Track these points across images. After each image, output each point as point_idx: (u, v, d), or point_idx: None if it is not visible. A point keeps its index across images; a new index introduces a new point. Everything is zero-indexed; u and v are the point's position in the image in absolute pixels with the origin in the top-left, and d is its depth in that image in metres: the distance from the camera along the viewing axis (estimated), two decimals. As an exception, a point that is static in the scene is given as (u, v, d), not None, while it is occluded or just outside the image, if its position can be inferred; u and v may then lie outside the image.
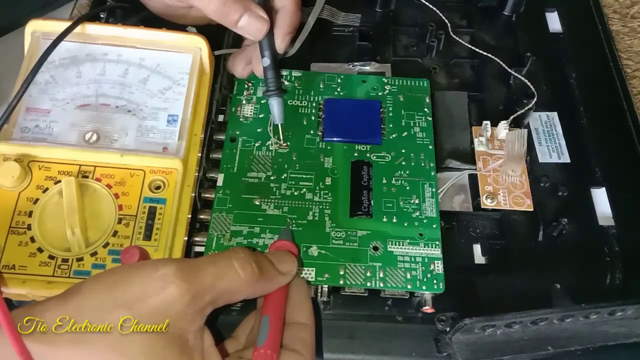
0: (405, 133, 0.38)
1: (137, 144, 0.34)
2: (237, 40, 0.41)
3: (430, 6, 0.45)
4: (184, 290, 0.25)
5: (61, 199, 0.31)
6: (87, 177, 0.33)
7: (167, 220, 0.32)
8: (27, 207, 0.32)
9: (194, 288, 0.25)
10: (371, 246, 0.33)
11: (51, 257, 0.31)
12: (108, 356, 0.24)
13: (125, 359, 0.24)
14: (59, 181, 0.32)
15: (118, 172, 0.33)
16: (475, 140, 0.39)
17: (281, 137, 0.37)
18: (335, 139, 0.37)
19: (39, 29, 0.36)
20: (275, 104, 0.36)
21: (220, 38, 0.41)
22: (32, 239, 0.31)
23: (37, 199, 0.32)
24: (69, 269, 0.31)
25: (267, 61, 0.36)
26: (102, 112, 0.35)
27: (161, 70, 0.36)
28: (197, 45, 0.37)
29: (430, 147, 0.37)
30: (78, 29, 0.36)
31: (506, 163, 0.37)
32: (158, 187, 0.33)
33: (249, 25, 0.35)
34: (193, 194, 0.34)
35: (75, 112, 0.35)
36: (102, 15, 0.43)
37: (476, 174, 0.38)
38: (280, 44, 0.37)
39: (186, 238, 0.33)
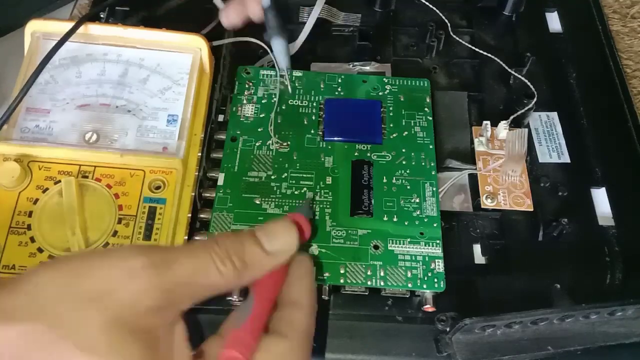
0: (406, 133, 0.38)
1: (137, 144, 0.34)
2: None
3: (430, 6, 0.45)
4: (155, 285, 0.22)
5: (61, 199, 0.32)
6: (87, 177, 0.33)
7: (167, 220, 0.32)
8: (27, 207, 0.32)
9: (166, 283, 0.23)
10: (372, 245, 0.33)
11: (51, 257, 0.31)
12: (67, 353, 0.21)
13: (88, 356, 0.21)
14: (59, 181, 0.32)
15: (118, 172, 0.33)
16: (475, 140, 0.39)
17: (289, 87, 0.34)
18: (335, 138, 0.37)
19: (39, 29, 0.36)
20: (278, 45, 0.33)
21: (220, 39, 0.41)
22: (32, 239, 0.31)
23: (37, 199, 0.32)
24: (69, 268, 0.31)
25: (267, 2, 0.34)
26: (102, 112, 0.35)
27: (161, 70, 0.36)
28: (197, 45, 0.37)
29: (431, 146, 0.37)
30: (78, 28, 0.36)
31: (506, 163, 0.37)
32: (158, 187, 0.33)
33: None
34: (193, 194, 0.34)
35: (75, 112, 0.35)
36: (102, 15, 0.43)
37: (476, 174, 0.38)
38: None
39: (186, 237, 0.33)
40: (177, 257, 0.24)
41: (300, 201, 0.31)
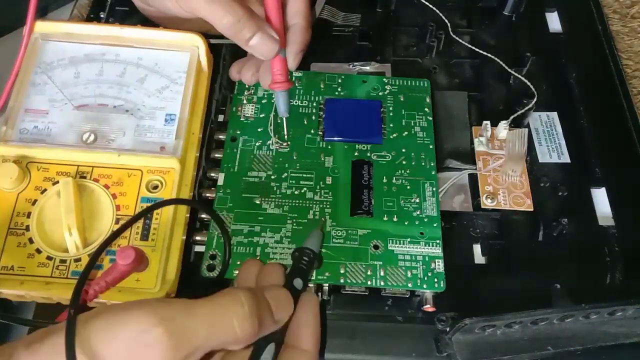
0: (406, 133, 0.38)
1: (134, 144, 0.34)
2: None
3: (430, 6, 0.45)
4: (171, 356, 0.23)
5: (59, 199, 0.31)
6: (85, 177, 0.33)
7: (164, 220, 0.32)
8: (25, 208, 0.32)
9: (183, 352, 0.23)
10: (372, 245, 0.33)
11: (49, 257, 0.31)
12: None
13: None
14: (57, 182, 0.32)
15: (115, 172, 0.33)
16: (475, 140, 0.39)
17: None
18: (335, 138, 0.37)
19: (38, 30, 0.36)
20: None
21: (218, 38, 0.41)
22: (31, 240, 0.31)
23: (36, 200, 0.32)
24: (67, 269, 0.31)
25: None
26: (99, 112, 0.35)
27: (159, 70, 0.36)
28: (194, 44, 0.37)
29: (431, 146, 0.37)
30: (76, 29, 0.36)
31: (506, 163, 0.37)
32: (155, 187, 0.33)
33: (261, 44, 0.33)
34: (191, 193, 0.34)
35: (73, 112, 0.34)
36: (102, 15, 0.43)
37: (476, 174, 0.38)
38: (292, 62, 0.36)
39: (184, 237, 0.33)
40: (196, 323, 0.24)
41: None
